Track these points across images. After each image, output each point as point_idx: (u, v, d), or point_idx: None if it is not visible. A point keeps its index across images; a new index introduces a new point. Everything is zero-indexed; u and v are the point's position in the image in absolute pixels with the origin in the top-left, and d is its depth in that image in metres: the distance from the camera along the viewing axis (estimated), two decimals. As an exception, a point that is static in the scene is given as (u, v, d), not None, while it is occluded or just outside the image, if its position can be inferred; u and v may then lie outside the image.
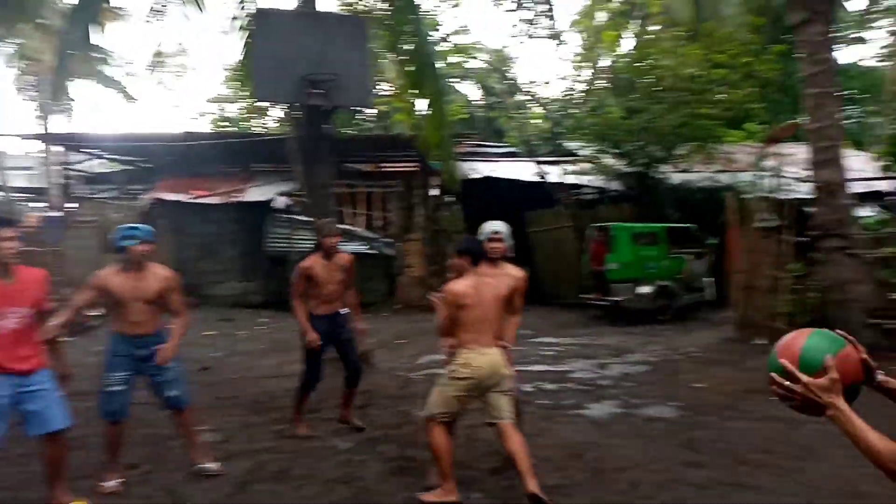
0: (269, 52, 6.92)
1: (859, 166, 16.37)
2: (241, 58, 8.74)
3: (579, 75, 16.95)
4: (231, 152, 16.03)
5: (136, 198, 15.12)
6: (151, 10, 8.61)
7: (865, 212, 15.06)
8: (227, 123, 31.90)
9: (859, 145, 26.94)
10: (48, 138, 18.64)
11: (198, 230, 14.84)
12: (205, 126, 33.49)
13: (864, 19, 26.79)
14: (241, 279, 15.11)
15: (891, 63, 30.69)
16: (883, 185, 15.76)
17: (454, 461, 4.05)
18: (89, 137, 16.88)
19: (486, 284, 4.09)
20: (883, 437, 1.58)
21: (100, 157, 18.10)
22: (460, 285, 4.05)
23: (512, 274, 4.41)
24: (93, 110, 64.99)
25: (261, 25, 7.11)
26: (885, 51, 34.75)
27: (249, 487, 4.37)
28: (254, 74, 7.29)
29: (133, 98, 23.79)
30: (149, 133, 16.21)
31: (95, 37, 7.37)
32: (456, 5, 19.58)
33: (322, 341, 5.32)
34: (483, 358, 3.98)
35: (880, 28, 34.59)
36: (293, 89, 6.90)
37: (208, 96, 44.56)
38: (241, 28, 8.38)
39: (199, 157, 15.66)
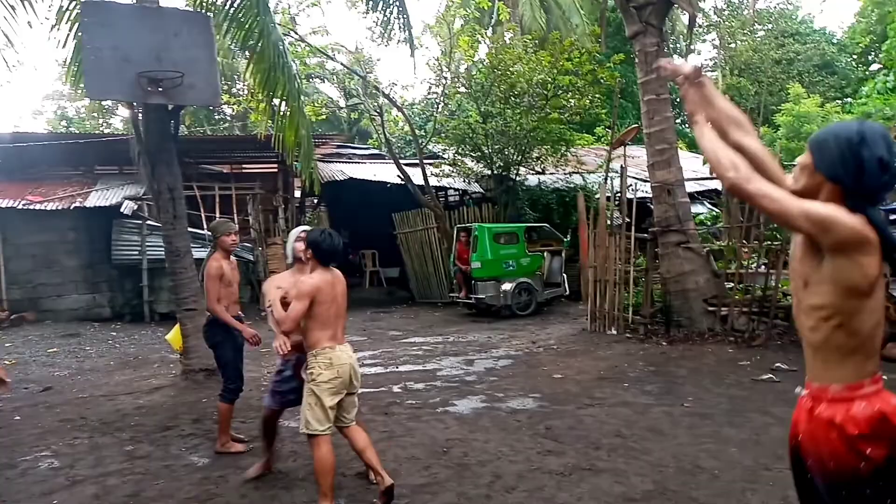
0: (101, 47, 6.41)
1: (693, 167, 17.89)
2: (73, 53, 8.06)
3: (438, 79, 17.22)
4: (71, 154, 14.83)
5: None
6: None
7: (700, 208, 16.54)
8: (65, 123, 29.55)
9: (693, 147, 29.50)
10: None
11: (33, 239, 13.57)
12: (40, 126, 30.87)
13: (694, 32, 29.30)
14: (86, 291, 13.99)
15: (716, 73, 33.86)
16: (715, 184, 17.28)
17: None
18: None
19: (338, 279, 3.98)
20: (725, 148, 1.84)
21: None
22: (316, 278, 3.85)
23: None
24: None
25: (91, 18, 6.57)
26: (711, 62, 38.35)
27: (96, 515, 4.07)
28: (85, 71, 6.72)
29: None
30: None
31: None
32: (313, 5, 19.24)
33: (229, 343, 5.18)
34: (345, 355, 3.89)
35: (706, 41, 38.09)
36: (130, 87, 6.46)
37: (43, 94, 40.91)
38: (69, 21, 7.71)
39: (34, 160, 14.36)
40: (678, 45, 35.08)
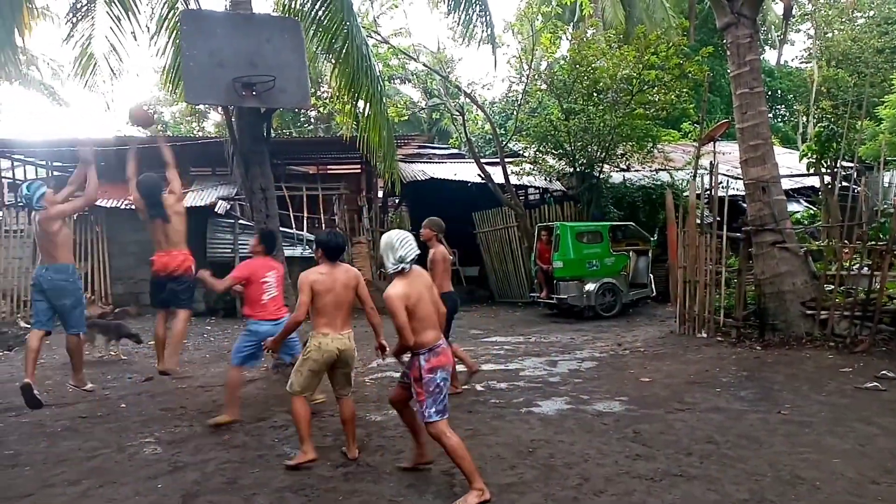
0: (199, 54, 6.70)
1: (789, 163, 17.08)
2: (171, 60, 8.49)
3: (519, 78, 17.12)
4: (168, 156, 15.59)
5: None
6: (72, 9, 8.22)
7: (796, 207, 15.77)
8: (162, 127, 31.16)
9: (788, 143, 28.17)
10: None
11: (135, 237, 14.35)
12: (138, 130, 32.63)
13: (786, 22, 27.95)
14: (182, 287, 14.67)
15: (810, 64, 32.18)
16: (812, 181, 16.44)
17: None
18: (17, 143, 16.16)
19: (340, 271, 4.65)
20: None
21: (29, 163, 17.35)
22: (313, 273, 4.58)
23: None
24: (20, 115, 62.06)
25: (189, 26, 6.88)
26: (806, 52, 36.51)
27: (196, 499, 4.25)
28: (183, 77, 7.04)
29: (63, 102, 22.82)
30: (80, 138, 15.57)
31: (19, 38, 6.98)
32: (394, 6, 19.49)
33: None
34: (334, 343, 4.59)
35: (800, 31, 36.24)
36: (226, 91, 6.72)
37: (142, 100, 43.21)
38: (168, 29, 8.13)
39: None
40: (770, 36, 33.61)
